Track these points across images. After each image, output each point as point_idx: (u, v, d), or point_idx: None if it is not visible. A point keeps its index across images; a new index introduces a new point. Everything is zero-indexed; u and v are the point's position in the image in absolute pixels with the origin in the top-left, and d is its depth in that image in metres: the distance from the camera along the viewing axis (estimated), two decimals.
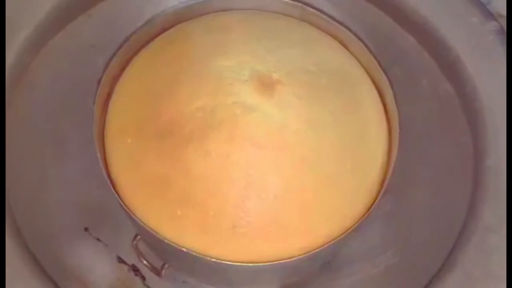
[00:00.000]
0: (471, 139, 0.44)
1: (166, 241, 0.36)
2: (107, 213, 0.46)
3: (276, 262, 0.36)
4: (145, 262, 0.44)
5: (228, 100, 0.38)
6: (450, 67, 0.45)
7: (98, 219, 0.46)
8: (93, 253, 0.45)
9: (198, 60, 0.40)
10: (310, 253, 0.36)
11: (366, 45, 0.44)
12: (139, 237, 0.43)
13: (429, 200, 0.45)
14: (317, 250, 0.36)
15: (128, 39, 0.44)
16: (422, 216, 0.45)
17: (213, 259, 0.36)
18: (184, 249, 0.36)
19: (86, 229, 0.45)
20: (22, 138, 0.45)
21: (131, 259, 0.45)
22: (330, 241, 0.37)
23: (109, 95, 0.42)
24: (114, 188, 0.39)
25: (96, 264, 0.45)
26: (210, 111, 0.37)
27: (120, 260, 0.46)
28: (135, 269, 0.45)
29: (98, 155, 0.38)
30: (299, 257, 0.36)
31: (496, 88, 0.42)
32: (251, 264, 0.36)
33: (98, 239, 0.46)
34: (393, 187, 0.40)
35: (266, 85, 0.38)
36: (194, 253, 0.36)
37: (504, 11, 0.58)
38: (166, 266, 0.44)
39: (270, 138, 0.37)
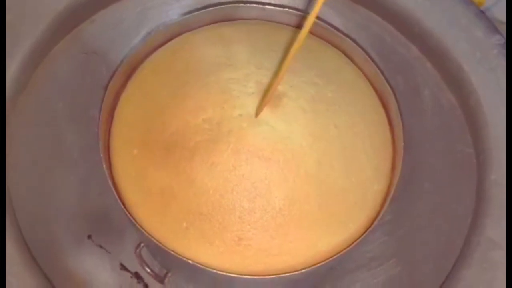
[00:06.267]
0: (474, 150, 0.44)
1: (172, 253, 0.36)
2: (109, 220, 0.46)
3: (281, 275, 0.36)
4: (148, 270, 0.44)
5: (234, 113, 0.38)
6: (454, 79, 0.45)
7: (101, 226, 0.46)
8: (96, 260, 0.45)
9: (204, 72, 0.40)
10: (314, 266, 0.36)
11: (370, 57, 0.44)
12: (142, 245, 0.43)
13: (431, 211, 0.45)
14: (321, 263, 0.36)
15: (134, 47, 0.43)
16: (423, 227, 0.45)
17: (219, 271, 0.36)
18: (190, 261, 0.36)
19: (89, 237, 0.45)
20: (25, 145, 0.45)
21: (134, 266, 0.45)
22: (334, 255, 0.37)
23: (114, 104, 0.42)
24: (120, 199, 0.39)
25: (99, 271, 0.45)
26: (217, 123, 0.38)
27: (123, 268, 0.46)
28: (138, 277, 0.45)
29: (104, 165, 0.38)
30: (303, 270, 0.36)
31: (500, 102, 0.42)
32: (256, 277, 0.36)
33: (101, 246, 0.46)
34: (395, 197, 0.40)
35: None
36: (199, 265, 0.36)
37: (504, 18, 0.59)
38: (170, 274, 0.44)
39: (275, 151, 0.37)
